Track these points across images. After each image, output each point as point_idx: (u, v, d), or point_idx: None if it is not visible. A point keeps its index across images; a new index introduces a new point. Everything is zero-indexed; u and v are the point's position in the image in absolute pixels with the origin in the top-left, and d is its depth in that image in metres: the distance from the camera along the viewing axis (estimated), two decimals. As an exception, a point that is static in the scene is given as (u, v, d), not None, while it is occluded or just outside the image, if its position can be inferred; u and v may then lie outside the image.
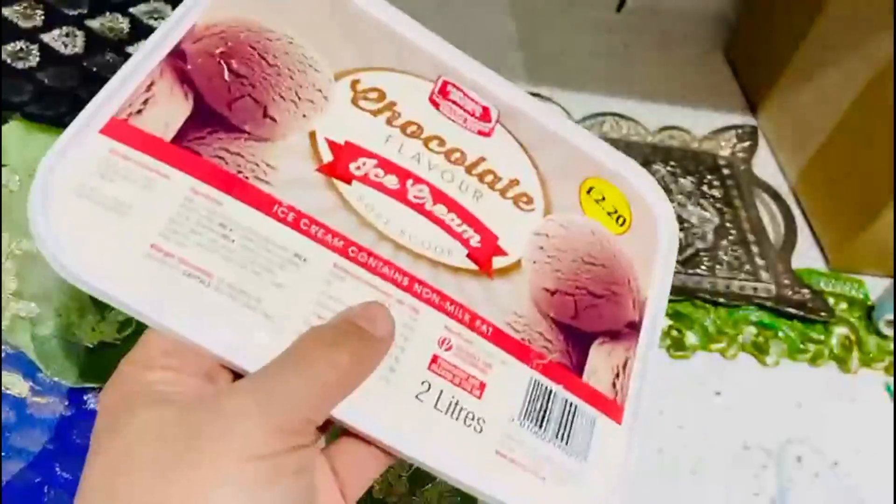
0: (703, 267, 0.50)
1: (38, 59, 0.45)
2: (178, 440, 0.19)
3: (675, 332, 0.47)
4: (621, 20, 0.69)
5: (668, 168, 0.56)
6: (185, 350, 0.21)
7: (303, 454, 0.21)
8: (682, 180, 0.55)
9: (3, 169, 0.39)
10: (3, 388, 0.35)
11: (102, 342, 0.37)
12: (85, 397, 0.37)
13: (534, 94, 0.56)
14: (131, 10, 0.46)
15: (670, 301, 0.48)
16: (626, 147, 0.56)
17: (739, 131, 0.59)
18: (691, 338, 0.47)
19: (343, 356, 0.21)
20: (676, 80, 0.64)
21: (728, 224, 0.53)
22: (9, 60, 0.44)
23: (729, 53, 0.67)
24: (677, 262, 0.50)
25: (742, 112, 0.63)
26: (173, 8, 0.48)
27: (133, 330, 0.38)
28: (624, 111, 0.58)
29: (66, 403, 0.36)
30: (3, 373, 0.35)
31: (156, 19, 0.47)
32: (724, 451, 0.42)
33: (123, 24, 0.46)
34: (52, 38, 0.45)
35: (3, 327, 0.35)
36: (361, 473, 0.23)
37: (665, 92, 0.63)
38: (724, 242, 0.52)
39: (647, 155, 0.56)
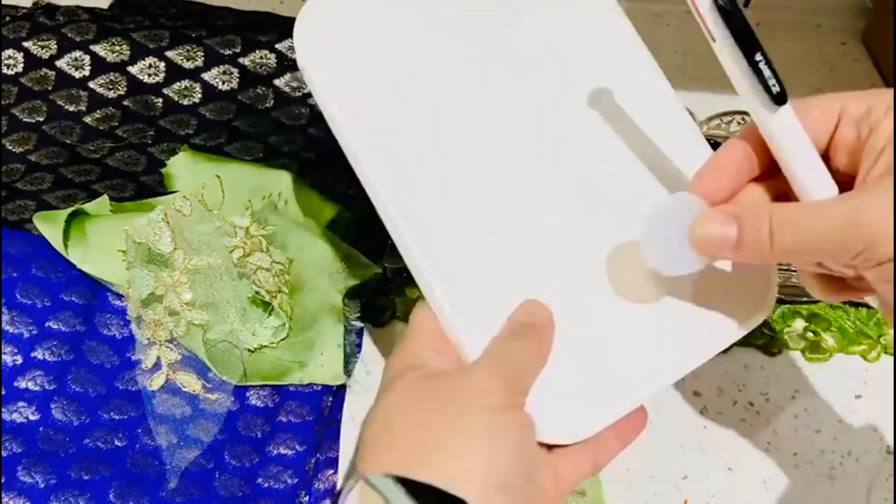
0: (840, 266, 0.48)
1: (200, 95, 0.50)
2: (440, 397, 0.27)
3: (810, 335, 0.45)
4: (748, 16, 0.67)
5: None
6: (444, 338, 0.30)
7: (523, 413, 0.28)
8: (816, 177, 0.53)
9: (174, 195, 0.44)
10: (180, 385, 0.40)
11: (260, 345, 0.41)
12: (247, 393, 0.41)
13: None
14: (277, 46, 0.51)
15: (805, 303, 0.46)
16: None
17: (881, 123, 0.56)
18: (829, 340, 0.45)
19: (529, 342, 0.29)
20: (811, 74, 0.62)
21: (869, 221, 0.51)
22: (176, 98, 0.51)
23: (867, 41, 0.64)
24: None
25: (884, 102, 0.59)
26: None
27: (286, 335, 0.42)
28: (752, 109, 0.56)
29: (233, 399, 0.40)
30: (181, 373, 0.40)
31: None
32: (865, 458, 0.40)
33: (271, 59, 0.51)
34: (212, 76, 0.51)
35: (179, 333, 0.40)
36: (576, 474, 0.29)
37: (799, 86, 0.60)
38: (865, 240, 0.50)
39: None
